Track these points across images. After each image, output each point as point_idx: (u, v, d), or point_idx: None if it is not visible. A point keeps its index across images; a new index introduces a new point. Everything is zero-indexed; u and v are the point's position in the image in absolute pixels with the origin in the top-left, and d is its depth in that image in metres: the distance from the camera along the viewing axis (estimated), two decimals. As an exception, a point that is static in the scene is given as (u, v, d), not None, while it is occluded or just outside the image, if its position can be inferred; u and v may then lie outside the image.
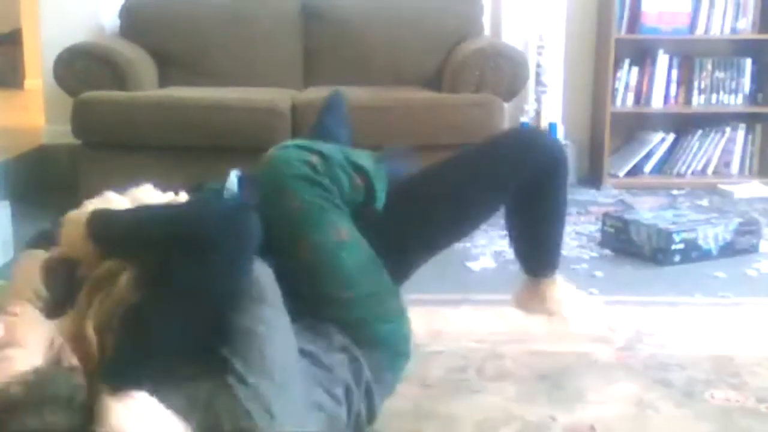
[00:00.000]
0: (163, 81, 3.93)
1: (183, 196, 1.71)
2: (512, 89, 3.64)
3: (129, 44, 3.91)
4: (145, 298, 1.39)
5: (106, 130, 3.50)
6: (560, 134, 4.18)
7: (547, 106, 4.12)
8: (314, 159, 1.63)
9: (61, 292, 1.49)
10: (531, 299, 2.02)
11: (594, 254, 3.08)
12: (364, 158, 1.74)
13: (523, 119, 4.11)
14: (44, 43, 4.15)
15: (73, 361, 1.36)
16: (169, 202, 1.66)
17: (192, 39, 4.01)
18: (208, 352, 1.38)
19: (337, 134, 2.13)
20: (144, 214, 1.53)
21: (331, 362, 1.54)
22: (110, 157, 3.53)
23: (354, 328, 1.61)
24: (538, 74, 4.08)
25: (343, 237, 1.63)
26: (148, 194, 1.70)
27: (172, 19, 4.03)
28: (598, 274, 2.85)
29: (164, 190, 1.73)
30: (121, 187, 1.72)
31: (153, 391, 1.31)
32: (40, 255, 1.57)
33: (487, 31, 4.18)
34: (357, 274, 1.63)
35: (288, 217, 1.61)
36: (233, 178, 1.78)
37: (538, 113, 4.11)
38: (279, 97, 3.60)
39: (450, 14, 4.06)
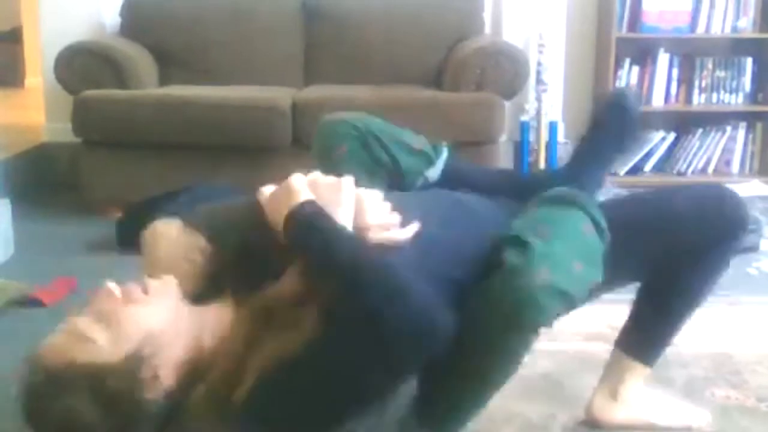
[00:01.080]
0: (164, 79, 3.94)
1: (407, 231, 1.43)
2: (513, 88, 3.64)
3: (129, 42, 3.91)
4: (299, 358, 1.22)
5: (107, 128, 3.50)
6: (561, 133, 4.19)
7: (548, 104, 4.12)
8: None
9: (233, 271, 1.30)
10: (605, 377, 1.78)
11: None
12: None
13: (524, 118, 4.12)
14: (45, 41, 4.15)
15: (163, 375, 1.22)
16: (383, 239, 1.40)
17: (192, 37, 4.01)
18: None
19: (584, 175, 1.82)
20: (342, 248, 1.27)
21: None
22: (110, 156, 3.54)
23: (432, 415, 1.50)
24: (538, 73, 4.08)
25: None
26: (373, 208, 1.41)
27: (172, 17, 4.03)
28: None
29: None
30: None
31: None
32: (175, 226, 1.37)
33: (487, 29, 4.18)
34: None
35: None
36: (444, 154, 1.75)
37: (538, 112, 4.11)
38: (279, 95, 3.60)
39: (451, 12, 4.06)
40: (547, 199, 1.55)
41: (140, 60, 3.82)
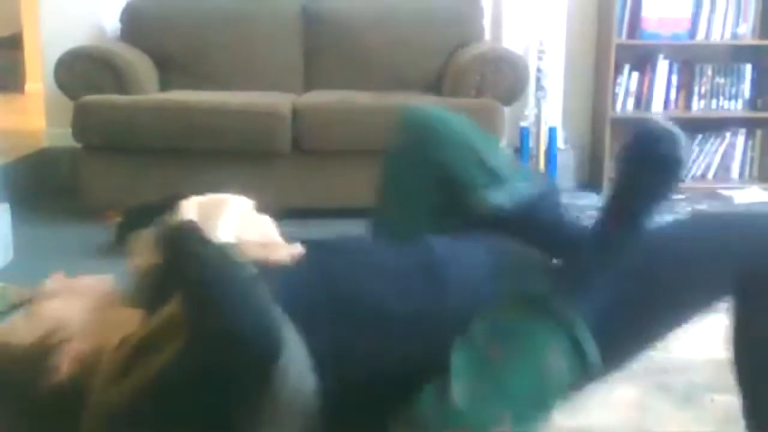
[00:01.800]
0: (164, 84, 3.94)
1: (294, 248, 1.45)
2: (513, 94, 3.65)
3: (130, 47, 3.92)
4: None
5: (107, 133, 3.50)
6: (560, 139, 4.19)
7: (548, 111, 4.13)
8: None
9: (152, 287, 1.36)
10: None
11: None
12: None
13: (523, 124, 4.12)
14: (45, 47, 4.15)
15: (62, 362, 1.30)
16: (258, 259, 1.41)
17: (193, 42, 4.01)
18: None
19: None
20: (198, 262, 1.28)
21: None
22: (111, 161, 3.54)
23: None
24: (538, 79, 4.08)
25: None
26: (257, 226, 1.47)
27: (173, 22, 4.04)
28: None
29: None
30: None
31: None
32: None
33: (487, 35, 4.19)
34: None
35: None
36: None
37: (538, 118, 4.11)
38: (280, 101, 3.60)
39: (451, 18, 4.06)
40: (528, 299, 1.36)
41: (140, 65, 3.83)
